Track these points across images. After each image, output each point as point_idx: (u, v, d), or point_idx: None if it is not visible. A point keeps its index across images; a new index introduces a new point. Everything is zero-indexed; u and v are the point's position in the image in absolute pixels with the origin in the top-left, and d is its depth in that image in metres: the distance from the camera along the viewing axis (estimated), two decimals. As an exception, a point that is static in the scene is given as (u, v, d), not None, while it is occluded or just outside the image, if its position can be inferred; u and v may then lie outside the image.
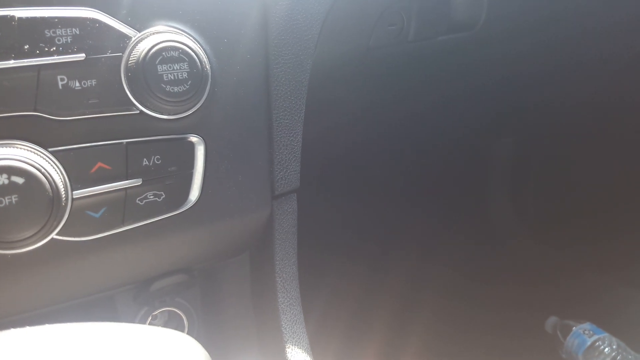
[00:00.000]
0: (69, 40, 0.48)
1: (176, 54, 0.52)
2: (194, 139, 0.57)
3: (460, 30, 0.95)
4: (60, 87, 0.48)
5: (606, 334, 1.25)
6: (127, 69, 0.51)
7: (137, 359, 0.39)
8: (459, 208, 1.87)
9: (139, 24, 0.51)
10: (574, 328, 1.29)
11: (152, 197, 0.55)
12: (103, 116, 0.51)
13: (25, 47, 0.46)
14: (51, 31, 0.47)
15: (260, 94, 0.62)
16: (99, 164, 0.52)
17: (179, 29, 0.54)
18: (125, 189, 0.53)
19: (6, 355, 0.36)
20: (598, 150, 1.59)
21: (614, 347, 1.21)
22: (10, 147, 0.47)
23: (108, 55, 0.50)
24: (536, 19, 1.02)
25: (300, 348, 0.68)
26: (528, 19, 1.02)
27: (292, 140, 0.66)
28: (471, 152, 1.86)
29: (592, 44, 1.19)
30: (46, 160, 0.48)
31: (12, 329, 0.40)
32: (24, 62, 0.46)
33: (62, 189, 0.49)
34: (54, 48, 0.47)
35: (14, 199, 0.46)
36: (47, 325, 0.41)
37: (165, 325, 0.74)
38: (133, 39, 0.51)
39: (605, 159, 1.58)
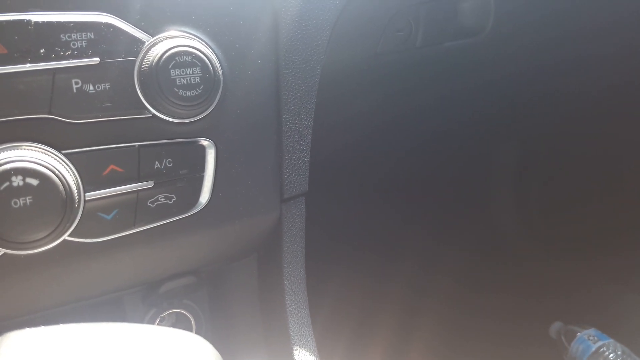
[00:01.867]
0: (83, 44, 0.49)
1: (189, 58, 0.52)
2: (205, 142, 0.57)
3: (467, 36, 0.95)
4: (74, 90, 0.49)
5: (611, 340, 1.24)
6: (141, 73, 0.51)
7: (151, 358, 0.40)
8: (465, 213, 1.87)
9: (153, 29, 0.52)
10: (578, 334, 1.29)
11: (163, 199, 0.56)
12: (116, 119, 0.52)
13: (41, 51, 0.47)
14: (66, 35, 0.48)
15: (270, 98, 0.63)
16: (112, 167, 0.52)
17: (192, 34, 0.54)
18: (137, 191, 0.54)
19: (23, 355, 0.37)
20: (605, 156, 1.59)
21: (619, 353, 1.20)
22: (25, 149, 0.47)
23: (122, 59, 0.51)
24: (543, 24, 1.02)
25: (307, 350, 0.69)
26: (535, 25, 1.02)
27: (301, 145, 0.67)
28: (478, 158, 1.86)
29: (603, 49, 1.19)
30: (60, 163, 0.49)
31: (27, 329, 0.40)
32: (39, 65, 0.47)
33: (75, 191, 0.49)
34: (69, 52, 0.48)
35: (28, 201, 0.46)
36: (61, 325, 0.42)
37: (173, 327, 0.75)
38: (146, 43, 0.52)
39: (613, 166, 1.58)
